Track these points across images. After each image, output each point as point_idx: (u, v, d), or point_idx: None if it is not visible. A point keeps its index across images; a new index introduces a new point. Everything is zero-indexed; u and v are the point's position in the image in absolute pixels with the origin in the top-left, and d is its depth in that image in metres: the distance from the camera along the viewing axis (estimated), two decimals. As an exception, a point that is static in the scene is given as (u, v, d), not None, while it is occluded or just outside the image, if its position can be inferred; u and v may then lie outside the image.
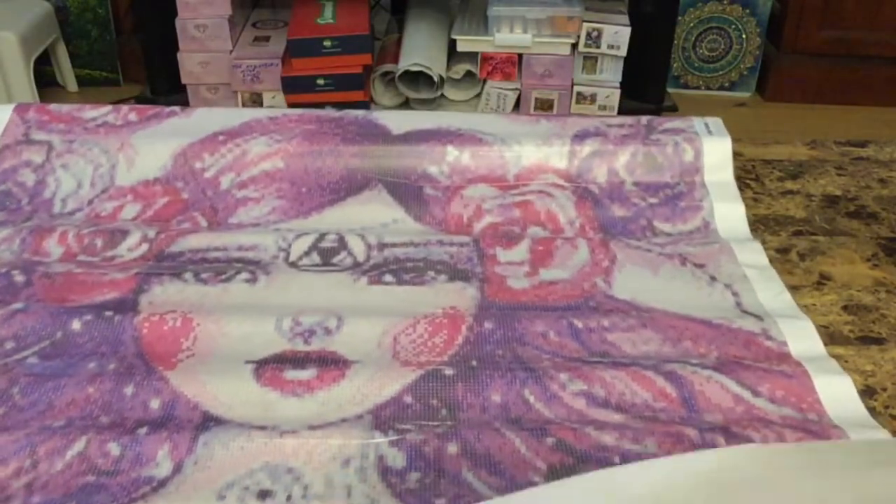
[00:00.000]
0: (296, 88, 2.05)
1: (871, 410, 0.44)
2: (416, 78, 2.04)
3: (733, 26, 2.35)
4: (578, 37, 2.00)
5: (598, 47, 2.01)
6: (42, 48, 2.19)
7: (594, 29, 1.99)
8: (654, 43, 2.06)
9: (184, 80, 2.10)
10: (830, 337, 0.49)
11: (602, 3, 2.07)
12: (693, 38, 2.38)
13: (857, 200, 0.63)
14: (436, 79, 2.01)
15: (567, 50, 2.02)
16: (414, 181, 0.77)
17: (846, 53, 2.31)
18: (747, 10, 2.32)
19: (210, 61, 2.07)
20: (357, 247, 0.70)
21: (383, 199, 0.76)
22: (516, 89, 2.06)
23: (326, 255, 0.70)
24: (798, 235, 0.59)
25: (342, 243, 0.71)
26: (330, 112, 0.87)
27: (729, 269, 0.57)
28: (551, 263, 0.67)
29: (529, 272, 0.66)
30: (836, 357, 0.47)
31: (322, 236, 0.72)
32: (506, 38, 2.00)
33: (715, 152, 0.70)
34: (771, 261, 0.56)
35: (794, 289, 0.54)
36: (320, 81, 2.03)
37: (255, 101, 2.10)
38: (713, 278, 0.56)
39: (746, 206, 0.64)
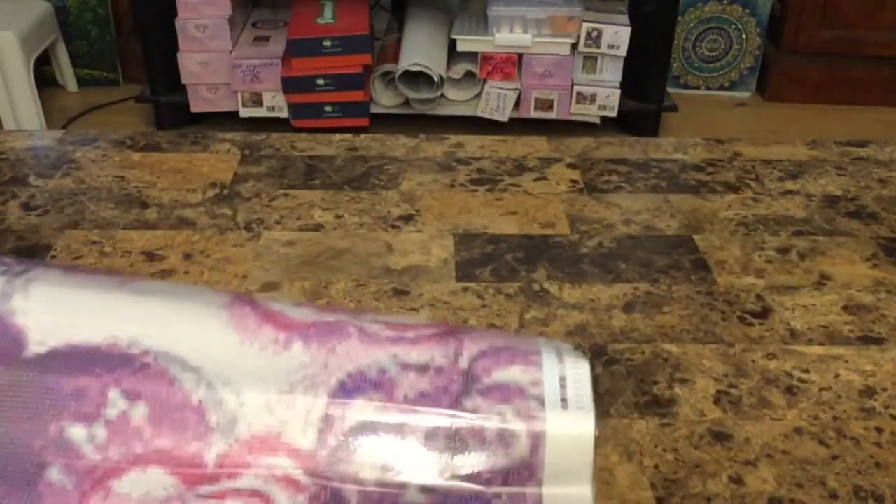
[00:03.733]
0: (296, 88, 2.05)
1: (871, 410, 0.44)
2: (416, 78, 2.04)
3: (733, 26, 2.35)
4: (578, 37, 2.01)
5: (598, 47, 2.02)
6: (42, 48, 2.20)
7: (594, 29, 1.99)
8: (654, 43, 2.06)
9: (184, 80, 2.10)
10: (830, 337, 0.49)
11: (602, 3, 2.07)
12: (693, 38, 2.38)
13: (857, 200, 0.63)
14: (436, 79, 2.01)
15: (567, 50, 2.02)
16: (34, 453, 0.33)
17: (846, 53, 2.31)
18: (747, 10, 2.33)
19: (210, 61, 2.07)
20: None
21: None
22: (516, 89, 2.06)
23: None
24: (798, 235, 0.59)
25: None
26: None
27: None
28: None
29: None
30: (836, 357, 0.47)
31: None
32: (506, 38, 2.00)
33: (566, 442, 0.33)
34: (771, 261, 0.56)
35: (793, 289, 0.53)
36: (320, 81, 2.03)
37: (255, 100, 2.10)
38: None
39: (746, 206, 0.63)
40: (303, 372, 0.33)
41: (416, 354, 0.33)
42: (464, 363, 0.33)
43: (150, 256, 0.55)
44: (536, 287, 0.53)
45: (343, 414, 0.32)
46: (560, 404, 0.32)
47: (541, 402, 0.32)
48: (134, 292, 0.34)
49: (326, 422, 0.32)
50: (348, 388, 0.33)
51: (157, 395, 0.32)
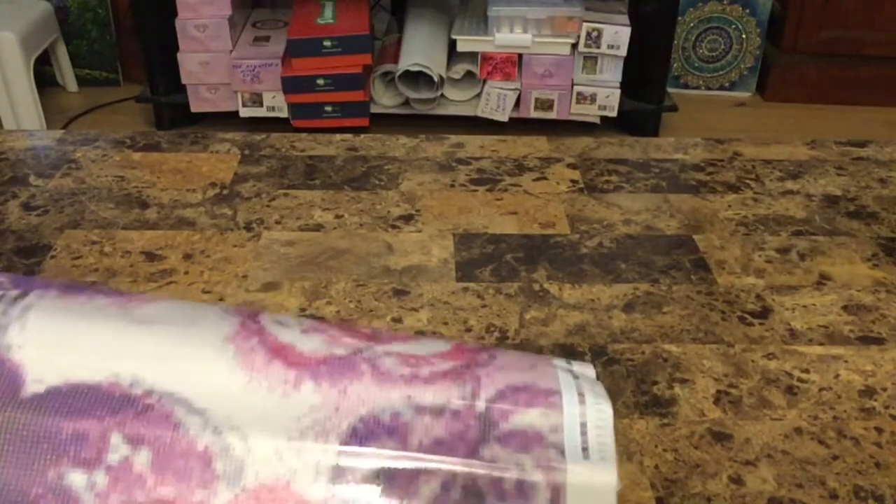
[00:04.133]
0: (296, 88, 2.05)
1: (871, 410, 0.44)
2: (416, 78, 2.04)
3: (733, 26, 2.35)
4: (578, 37, 2.01)
5: (598, 47, 2.02)
6: (42, 48, 2.20)
7: (594, 29, 1.99)
8: (654, 43, 2.06)
9: (184, 80, 2.10)
10: (830, 337, 0.49)
11: (602, 3, 2.07)
12: (693, 38, 2.38)
13: (857, 200, 0.63)
14: (436, 79, 2.01)
15: (567, 50, 2.02)
16: (30, 501, 0.31)
17: (846, 53, 2.31)
18: (747, 10, 2.33)
19: (210, 61, 2.07)
20: None
21: None
22: (516, 89, 2.06)
23: None
24: (798, 235, 0.59)
25: None
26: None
27: None
28: None
29: None
30: (836, 357, 0.47)
31: None
32: (506, 38, 2.00)
33: (588, 496, 0.31)
34: (771, 261, 0.56)
35: (793, 289, 0.53)
36: (320, 81, 2.03)
37: (255, 100, 2.10)
38: None
39: (746, 206, 0.63)
40: (313, 416, 0.31)
41: (430, 396, 0.31)
42: (481, 405, 0.31)
43: (150, 256, 0.55)
44: (536, 287, 0.53)
45: (355, 463, 0.30)
46: (581, 454, 0.30)
47: (561, 451, 0.30)
48: (135, 320, 0.32)
49: (337, 471, 0.31)
50: (361, 435, 0.31)
51: (160, 440, 0.31)
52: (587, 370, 0.33)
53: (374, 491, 0.29)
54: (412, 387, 0.31)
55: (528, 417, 0.31)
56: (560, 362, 0.33)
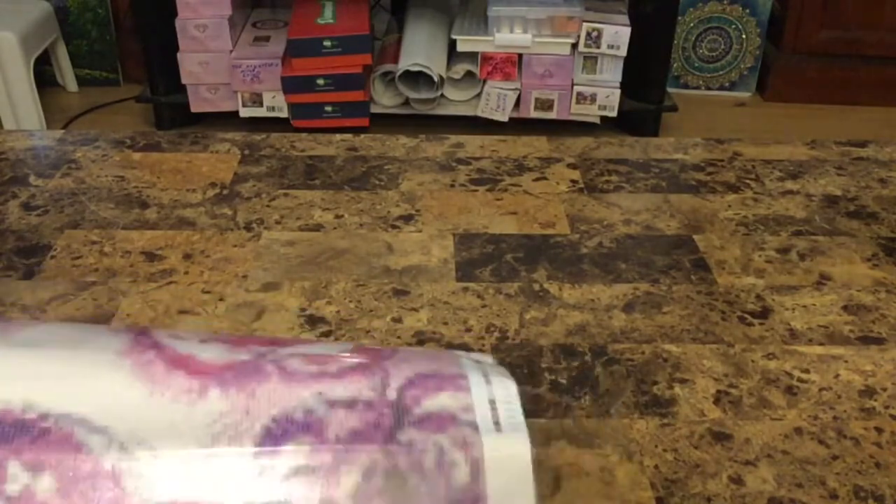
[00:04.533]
0: (296, 88, 2.05)
1: (871, 410, 0.44)
2: (416, 78, 2.05)
3: (733, 26, 2.35)
4: (578, 37, 2.01)
5: (598, 47, 2.02)
6: (42, 48, 2.20)
7: (594, 29, 1.99)
8: (654, 43, 2.06)
9: (184, 80, 2.10)
10: (830, 337, 0.49)
11: (602, 3, 2.07)
12: (693, 38, 2.38)
13: (857, 200, 0.63)
14: (436, 79, 2.01)
15: (567, 50, 2.02)
16: None
17: (846, 53, 2.31)
18: (747, 10, 2.33)
19: (210, 61, 2.07)
20: None
21: None
22: (516, 89, 2.06)
23: None
24: (798, 235, 0.59)
25: None
26: None
27: None
28: None
29: None
30: (836, 357, 0.47)
31: None
32: (506, 38, 2.00)
33: (506, 465, 0.32)
34: (771, 261, 0.56)
35: (793, 289, 0.53)
36: (320, 81, 2.03)
37: (255, 100, 2.10)
38: None
39: (746, 206, 0.63)
40: (223, 421, 0.30)
41: (341, 389, 0.31)
42: (392, 394, 0.31)
43: (150, 256, 0.55)
44: (536, 287, 0.53)
45: (272, 463, 0.29)
46: (493, 427, 0.31)
47: (475, 427, 0.31)
48: (18, 344, 0.30)
49: (256, 473, 0.29)
50: (275, 435, 0.30)
51: (63, 464, 0.28)
52: (487, 358, 0.34)
53: (295, 488, 0.29)
54: (322, 383, 0.30)
55: (439, 401, 0.31)
56: (459, 352, 0.34)
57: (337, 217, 0.59)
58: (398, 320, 0.49)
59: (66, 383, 0.29)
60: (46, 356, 0.29)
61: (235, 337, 0.32)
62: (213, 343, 0.31)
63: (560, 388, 0.45)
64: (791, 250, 0.58)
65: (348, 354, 0.33)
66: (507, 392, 0.32)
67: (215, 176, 0.64)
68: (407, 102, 2.10)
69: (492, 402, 0.32)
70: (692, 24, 2.36)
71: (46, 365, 0.29)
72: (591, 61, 2.04)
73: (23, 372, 0.29)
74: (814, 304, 0.52)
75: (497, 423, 0.31)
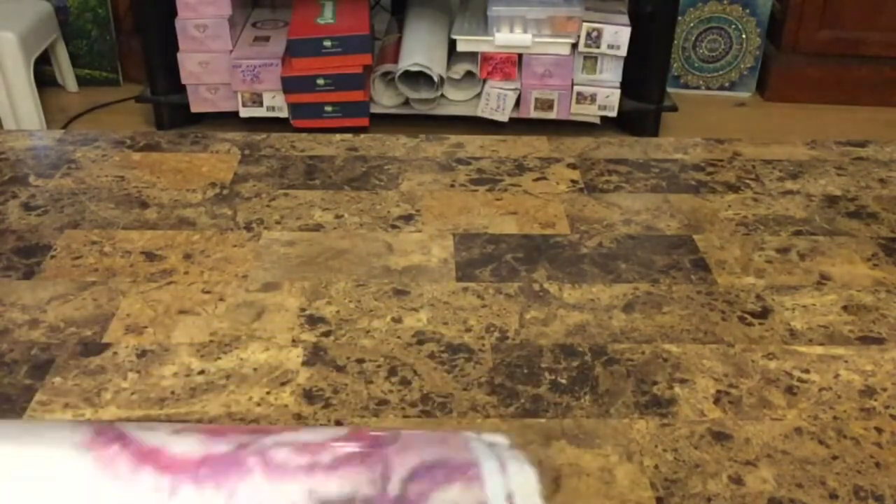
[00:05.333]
0: (296, 88, 2.05)
1: (871, 410, 0.44)
2: (416, 78, 2.05)
3: (733, 26, 2.35)
4: (578, 37, 2.01)
5: (598, 47, 2.02)
6: (42, 48, 2.19)
7: (594, 29, 1.99)
8: (654, 43, 2.06)
9: (184, 80, 2.10)
10: (830, 337, 0.49)
11: (602, 3, 2.07)
12: (693, 38, 2.38)
13: (857, 200, 0.63)
14: (436, 79, 2.01)
15: (567, 50, 2.02)
16: None
17: (846, 53, 2.31)
18: (747, 10, 2.33)
19: (210, 61, 2.07)
20: None
21: None
22: (516, 89, 2.06)
23: None
24: (798, 235, 0.59)
25: None
26: None
27: None
28: None
29: None
30: (836, 357, 0.47)
31: None
32: (506, 38, 2.00)
33: None
34: (771, 261, 0.56)
35: (793, 289, 0.53)
36: (320, 81, 2.03)
37: (255, 100, 2.10)
38: None
39: (746, 206, 0.63)
40: None
41: (335, 485, 0.26)
42: (394, 488, 0.26)
43: (150, 256, 0.55)
44: (536, 287, 0.53)
45: None
46: None
47: None
48: None
49: None
50: None
51: None
52: (499, 438, 0.29)
53: None
54: (313, 478, 0.26)
55: (450, 496, 0.26)
56: (469, 433, 0.29)
57: (337, 217, 0.59)
58: (398, 320, 0.49)
59: (21, 475, 0.26)
60: (2, 448, 0.26)
61: (213, 426, 0.28)
62: (186, 433, 0.27)
63: (560, 388, 0.45)
64: (791, 250, 0.58)
65: (343, 441, 0.28)
66: (526, 482, 0.28)
67: (215, 176, 0.64)
68: (407, 102, 2.10)
69: (509, 497, 0.27)
70: (692, 24, 2.36)
71: (2, 457, 0.26)
72: (591, 61, 2.04)
73: None
74: (814, 304, 0.52)
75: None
